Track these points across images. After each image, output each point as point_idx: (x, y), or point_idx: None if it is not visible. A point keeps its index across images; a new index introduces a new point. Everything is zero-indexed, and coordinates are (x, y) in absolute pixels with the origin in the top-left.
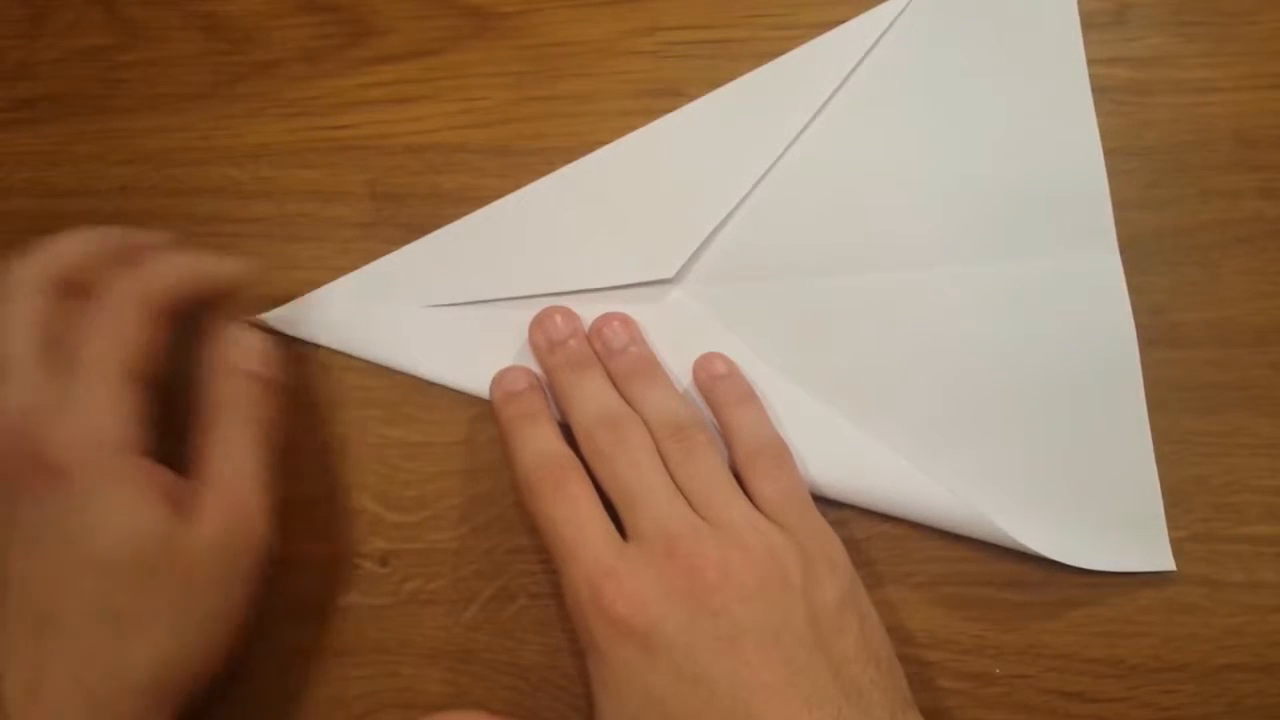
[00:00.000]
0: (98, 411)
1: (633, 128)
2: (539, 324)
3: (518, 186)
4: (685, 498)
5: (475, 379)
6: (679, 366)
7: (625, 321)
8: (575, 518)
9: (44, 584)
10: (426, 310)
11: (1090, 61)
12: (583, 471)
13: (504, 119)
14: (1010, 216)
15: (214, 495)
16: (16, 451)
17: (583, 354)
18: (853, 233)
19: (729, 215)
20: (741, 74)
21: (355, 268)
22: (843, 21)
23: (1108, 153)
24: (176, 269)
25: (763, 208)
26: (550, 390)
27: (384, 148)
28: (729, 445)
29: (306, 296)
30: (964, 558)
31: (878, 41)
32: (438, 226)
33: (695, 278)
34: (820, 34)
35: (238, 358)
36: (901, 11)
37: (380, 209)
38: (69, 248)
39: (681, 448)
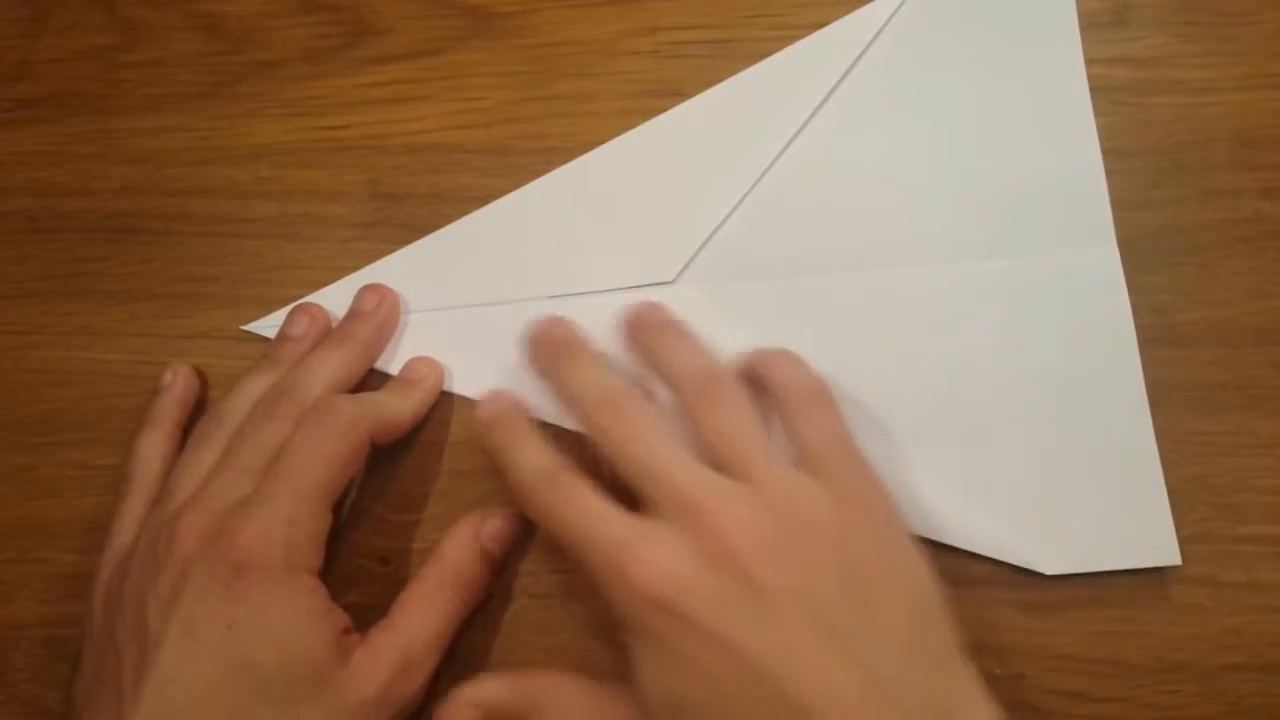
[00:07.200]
0: (290, 522)
1: (632, 128)
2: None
3: (518, 186)
4: (711, 454)
5: (475, 383)
6: None
7: (646, 301)
8: (579, 509)
9: (190, 676)
10: (424, 314)
11: (1090, 61)
12: (576, 471)
13: (504, 119)
14: (1007, 213)
15: (384, 643)
16: (212, 535)
17: (568, 339)
18: (851, 230)
19: (728, 214)
20: None
21: (355, 268)
22: None
23: (1107, 153)
24: (401, 407)
25: (761, 205)
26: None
27: (384, 148)
28: (769, 390)
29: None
30: (965, 557)
31: (875, 38)
32: (438, 226)
33: (693, 276)
34: None
35: (478, 530)
36: (898, 9)
37: (380, 209)
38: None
39: (707, 401)
